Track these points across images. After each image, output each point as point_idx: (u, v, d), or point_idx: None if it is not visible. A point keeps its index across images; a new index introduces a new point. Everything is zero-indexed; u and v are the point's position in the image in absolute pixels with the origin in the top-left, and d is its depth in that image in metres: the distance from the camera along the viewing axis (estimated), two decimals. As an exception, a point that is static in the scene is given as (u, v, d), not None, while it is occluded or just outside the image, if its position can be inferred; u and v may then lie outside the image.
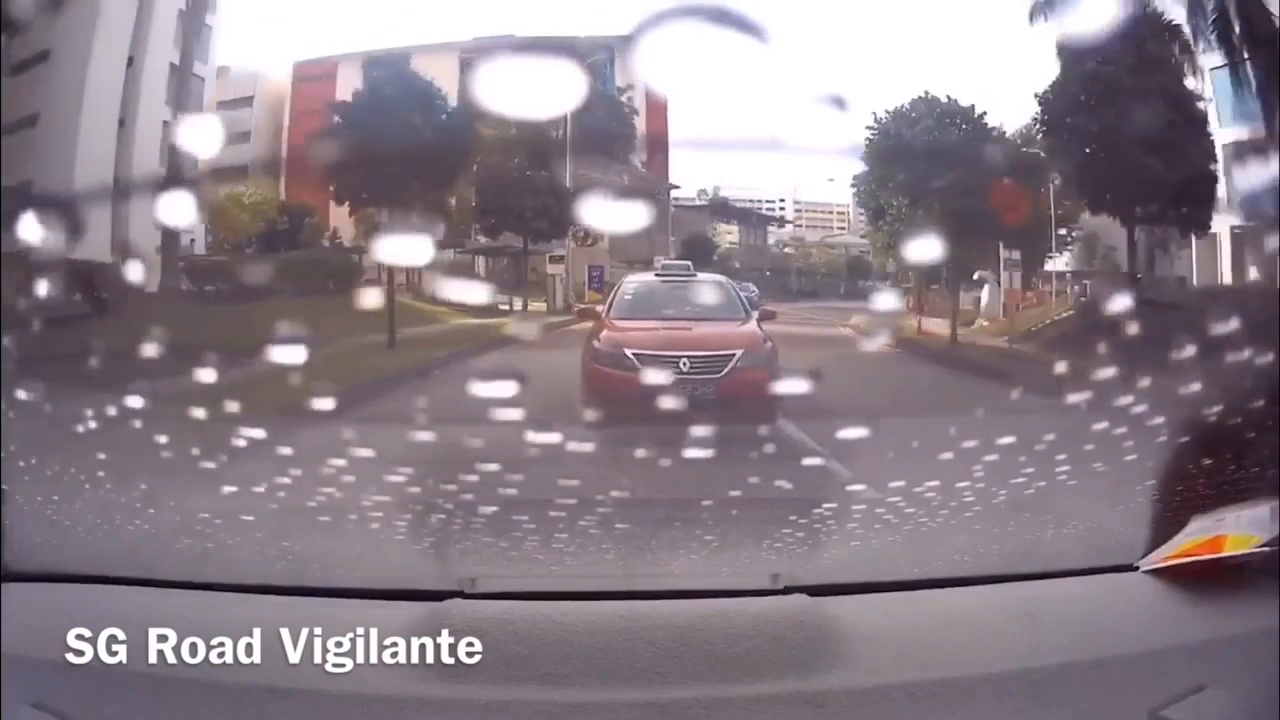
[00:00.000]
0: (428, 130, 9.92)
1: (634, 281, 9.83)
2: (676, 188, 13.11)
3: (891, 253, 11.41)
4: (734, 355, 7.48)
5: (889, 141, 10.22)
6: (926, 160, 9.82)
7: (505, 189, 10.43)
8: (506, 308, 10.56)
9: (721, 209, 14.41)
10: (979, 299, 10.87)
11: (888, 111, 10.27)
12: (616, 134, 12.22)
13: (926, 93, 10.22)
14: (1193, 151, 8.97)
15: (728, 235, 14.62)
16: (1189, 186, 8.96)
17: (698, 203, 14.00)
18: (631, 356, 7.41)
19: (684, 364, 7.34)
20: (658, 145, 13.09)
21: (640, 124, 12.55)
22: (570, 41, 9.84)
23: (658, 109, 12.79)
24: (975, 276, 10.88)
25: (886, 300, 8.44)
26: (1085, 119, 9.03)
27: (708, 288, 9.92)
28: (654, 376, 6.85)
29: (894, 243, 11.07)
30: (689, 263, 10.82)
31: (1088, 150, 9.23)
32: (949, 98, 10.10)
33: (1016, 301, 10.76)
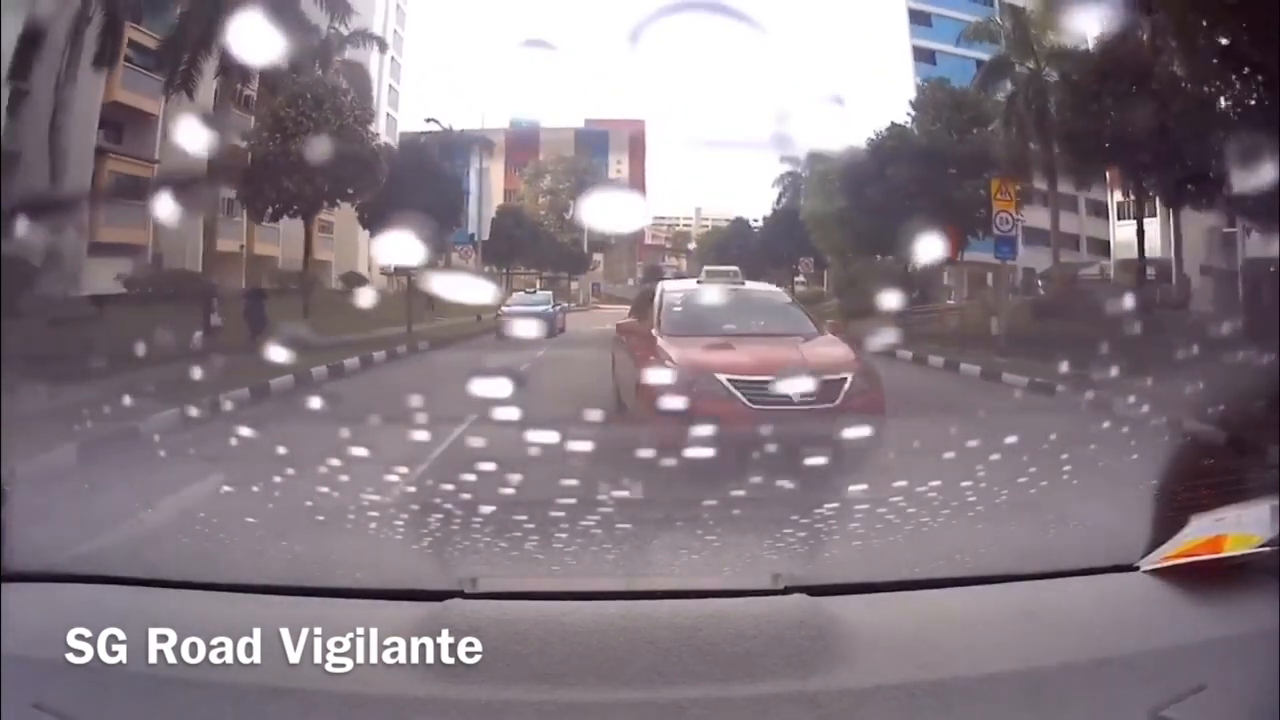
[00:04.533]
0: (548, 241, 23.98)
1: (677, 290, 8.10)
2: (642, 235, 26.00)
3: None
4: (847, 379, 6.06)
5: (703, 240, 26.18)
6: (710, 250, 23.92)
7: (562, 254, 24.09)
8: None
9: (671, 247, 26.95)
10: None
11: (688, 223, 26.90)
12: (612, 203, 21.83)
13: (714, 225, 25.66)
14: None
15: (674, 265, 25.93)
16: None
17: (657, 242, 27.18)
18: (727, 384, 5.90)
19: (795, 393, 5.91)
20: (636, 200, 24.45)
21: (624, 190, 23.25)
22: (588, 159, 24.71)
23: (637, 179, 24.91)
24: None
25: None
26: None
27: (765, 296, 8.53)
28: (762, 408, 5.71)
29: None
30: (736, 268, 9.73)
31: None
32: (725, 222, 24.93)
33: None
